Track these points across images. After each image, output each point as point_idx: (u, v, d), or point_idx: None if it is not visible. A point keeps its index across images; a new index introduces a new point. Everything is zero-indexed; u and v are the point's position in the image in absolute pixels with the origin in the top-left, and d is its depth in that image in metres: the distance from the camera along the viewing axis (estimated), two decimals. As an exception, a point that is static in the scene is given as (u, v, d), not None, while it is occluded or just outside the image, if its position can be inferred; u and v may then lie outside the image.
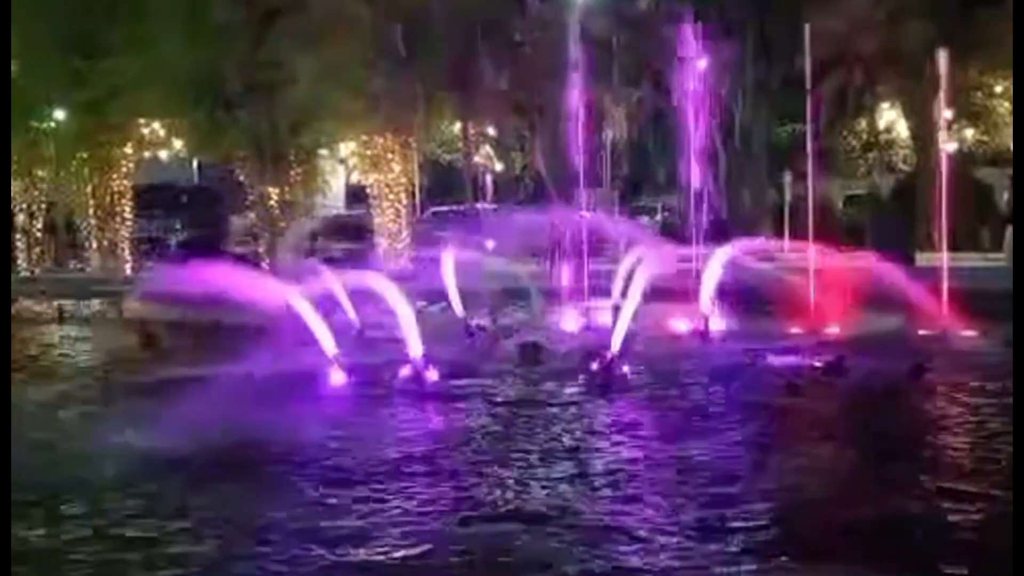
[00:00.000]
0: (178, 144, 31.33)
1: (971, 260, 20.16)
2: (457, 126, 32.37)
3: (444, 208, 32.61)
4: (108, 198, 27.83)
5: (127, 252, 28.16)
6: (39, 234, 28.51)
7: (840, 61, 28.74)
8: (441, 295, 13.30)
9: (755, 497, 5.79)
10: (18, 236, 28.28)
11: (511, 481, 6.29)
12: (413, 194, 30.65)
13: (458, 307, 13.10)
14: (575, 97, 17.05)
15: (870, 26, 27.80)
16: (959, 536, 5.20)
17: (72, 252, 29.64)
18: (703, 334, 12.16)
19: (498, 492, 6.04)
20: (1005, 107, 29.53)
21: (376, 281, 10.82)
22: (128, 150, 27.99)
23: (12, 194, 28.12)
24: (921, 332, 11.89)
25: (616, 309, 11.12)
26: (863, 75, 29.90)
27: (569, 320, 13.48)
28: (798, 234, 26.68)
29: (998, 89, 29.89)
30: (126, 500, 6.01)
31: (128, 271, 27.58)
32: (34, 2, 24.00)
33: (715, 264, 12.20)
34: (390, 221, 27.00)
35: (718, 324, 12.35)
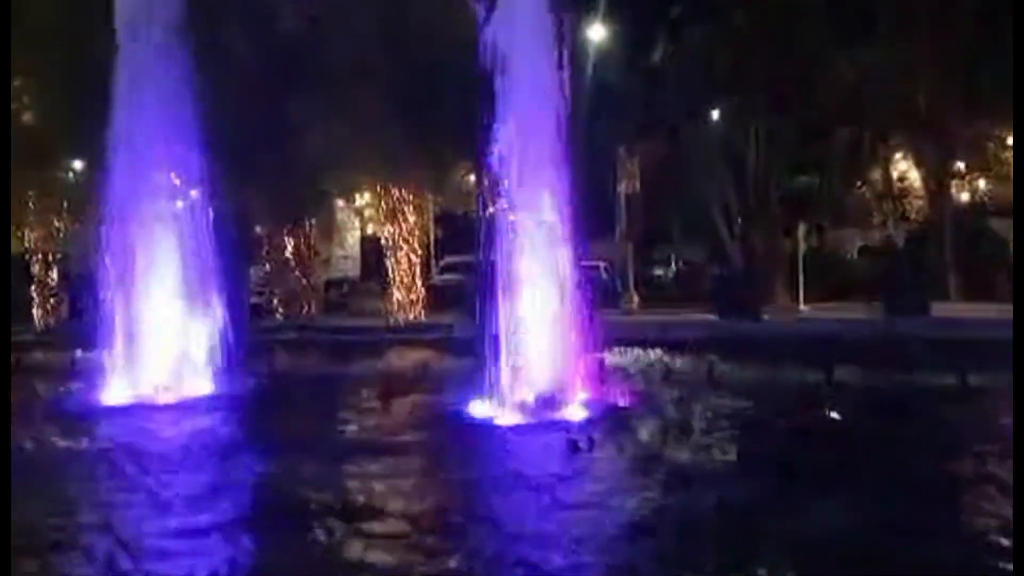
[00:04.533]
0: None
1: (986, 312, 20.00)
2: (472, 177, 32.51)
3: (457, 259, 32.66)
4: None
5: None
6: (54, 285, 28.57)
7: (852, 112, 28.91)
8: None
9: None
10: (33, 287, 28.37)
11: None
12: (428, 245, 30.74)
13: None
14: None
15: (881, 78, 27.98)
16: None
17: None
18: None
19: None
20: (1018, 158, 29.57)
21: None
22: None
23: (29, 245, 28.32)
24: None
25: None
26: (874, 126, 30.02)
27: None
28: (813, 286, 26.88)
29: (1009, 141, 29.94)
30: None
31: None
32: (51, 50, 24.29)
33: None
34: (405, 272, 27.04)
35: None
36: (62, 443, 10.27)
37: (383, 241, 28.00)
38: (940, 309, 21.55)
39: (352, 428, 10.79)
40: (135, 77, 14.01)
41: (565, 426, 10.22)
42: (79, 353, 15.38)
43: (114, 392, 13.24)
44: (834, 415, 10.62)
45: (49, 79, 24.69)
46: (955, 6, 26.51)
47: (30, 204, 27.41)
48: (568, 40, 12.04)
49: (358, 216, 37.20)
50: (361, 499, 7.57)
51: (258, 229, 27.71)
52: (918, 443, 9.40)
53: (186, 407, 12.65)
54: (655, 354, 16.00)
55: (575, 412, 11.00)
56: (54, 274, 28.47)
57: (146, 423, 11.68)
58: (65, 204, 27.42)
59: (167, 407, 12.74)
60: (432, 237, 33.23)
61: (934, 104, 27.40)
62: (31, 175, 25.69)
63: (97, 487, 8.27)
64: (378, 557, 6.17)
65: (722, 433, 9.99)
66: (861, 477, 8.03)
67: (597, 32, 29.14)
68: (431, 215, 32.13)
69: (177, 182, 14.75)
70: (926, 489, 7.66)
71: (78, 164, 28.18)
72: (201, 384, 13.68)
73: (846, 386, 12.48)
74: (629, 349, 16.02)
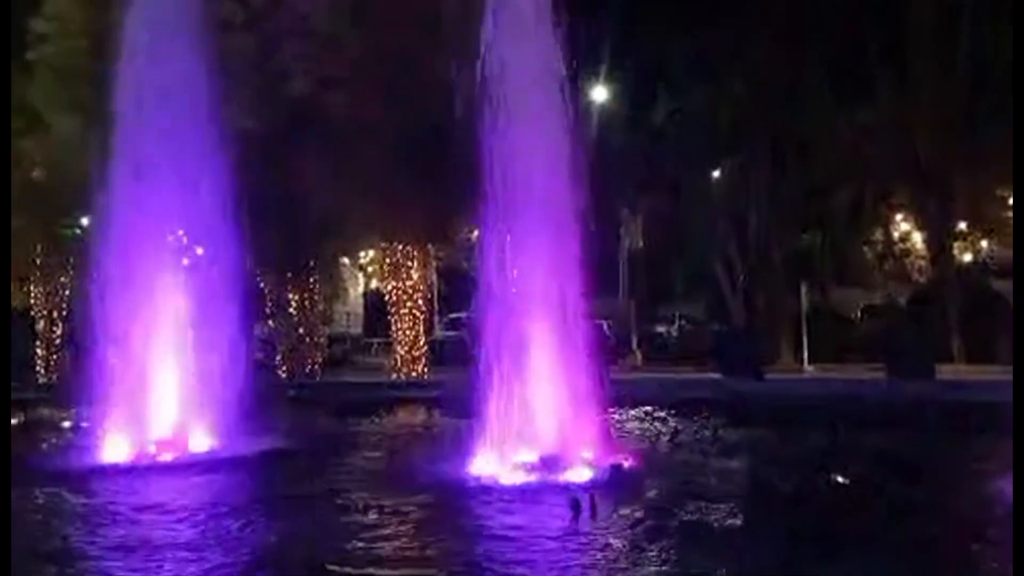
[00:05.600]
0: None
1: (991, 374, 19.86)
2: (476, 233, 32.52)
3: (461, 315, 32.70)
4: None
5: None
6: (58, 341, 28.58)
7: (853, 171, 29.11)
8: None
9: None
10: (37, 343, 28.38)
11: None
12: (431, 301, 30.79)
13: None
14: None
15: (881, 137, 28.22)
16: None
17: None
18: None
19: None
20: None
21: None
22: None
23: (34, 300, 28.38)
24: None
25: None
26: (876, 186, 30.20)
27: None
28: (817, 345, 26.80)
29: (1011, 201, 30.08)
30: None
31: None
32: (64, 107, 24.55)
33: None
34: (408, 328, 27.04)
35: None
36: (55, 504, 10.19)
37: (386, 297, 28.07)
38: (945, 371, 21.46)
39: (353, 489, 10.70)
40: (142, 134, 14.13)
41: (568, 487, 10.13)
42: (80, 410, 15.31)
43: (114, 450, 13.17)
44: (840, 479, 10.52)
45: (58, 137, 24.95)
46: (954, 67, 26.82)
47: (36, 260, 27.55)
48: (572, 99, 12.14)
49: (361, 271, 37.33)
50: (365, 563, 7.51)
51: (261, 285, 27.79)
52: (926, 507, 9.32)
53: (186, 466, 12.57)
54: (659, 413, 15.95)
55: (579, 473, 10.91)
56: (58, 330, 28.53)
57: (144, 483, 11.60)
58: (71, 260, 27.59)
59: (167, 466, 12.66)
60: (436, 293, 33.28)
61: (934, 162, 27.57)
62: (38, 231, 25.84)
63: (92, 553, 8.17)
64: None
65: (728, 496, 9.90)
66: (869, 542, 7.95)
67: (600, 93, 29.47)
68: (435, 270, 32.20)
69: (184, 239, 14.78)
70: (935, 553, 7.59)
71: (85, 221, 28.35)
72: (202, 442, 13.61)
73: (852, 449, 12.40)
74: (633, 408, 15.97)
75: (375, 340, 37.32)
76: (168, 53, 14.14)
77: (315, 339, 28.39)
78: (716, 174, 31.55)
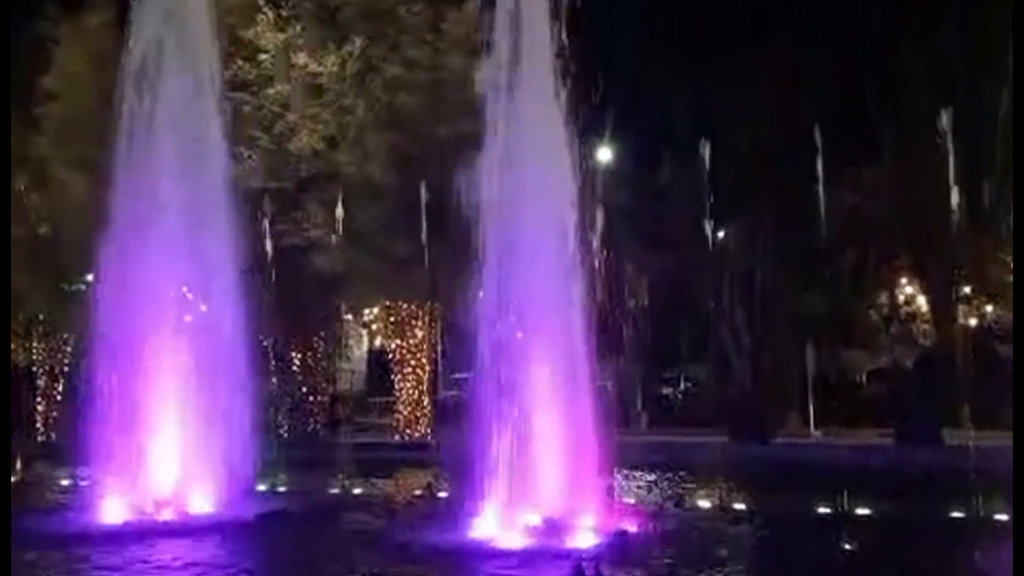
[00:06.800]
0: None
1: (998, 439, 19.62)
2: (482, 292, 32.45)
3: (465, 375, 32.44)
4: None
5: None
6: (59, 397, 28.46)
7: (856, 233, 29.12)
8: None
9: None
10: (38, 399, 28.25)
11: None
12: (435, 360, 30.65)
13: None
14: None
15: (884, 199, 28.26)
16: None
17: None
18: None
19: None
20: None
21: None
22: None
23: (36, 357, 28.28)
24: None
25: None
26: (879, 248, 30.20)
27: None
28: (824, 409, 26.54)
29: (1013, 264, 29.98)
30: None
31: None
32: (71, 163, 24.71)
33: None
34: (412, 387, 26.87)
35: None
36: (52, 568, 10.02)
37: (390, 355, 27.93)
38: (953, 436, 21.22)
39: (352, 553, 10.55)
40: (147, 190, 14.15)
41: (572, 552, 9.96)
42: (80, 468, 15.15)
43: (112, 510, 12.98)
44: (847, 546, 10.36)
45: (64, 192, 25.09)
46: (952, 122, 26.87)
47: (39, 316, 27.52)
48: (575, 158, 12.21)
49: (365, 329, 37.19)
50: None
51: (264, 343, 27.71)
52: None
53: (186, 528, 12.38)
54: (665, 477, 15.79)
55: (583, 538, 10.74)
56: (60, 387, 28.43)
57: (142, 545, 11.40)
58: (74, 316, 27.60)
59: (166, 528, 12.46)
60: (440, 351, 33.14)
61: (936, 224, 27.53)
62: (43, 287, 25.84)
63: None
64: None
65: (734, 562, 9.75)
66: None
67: (604, 152, 29.61)
68: (440, 329, 32.12)
69: (187, 296, 14.75)
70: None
71: (89, 276, 28.39)
72: (202, 503, 13.42)
73: (860, 516, 12.23)
74: (638, 472, 15.81)
75: (378, 399, 37.10)
76: (174, 111, 14.25)
77: (318, 398, 28.22)
78: (721, 234, 31.58)
